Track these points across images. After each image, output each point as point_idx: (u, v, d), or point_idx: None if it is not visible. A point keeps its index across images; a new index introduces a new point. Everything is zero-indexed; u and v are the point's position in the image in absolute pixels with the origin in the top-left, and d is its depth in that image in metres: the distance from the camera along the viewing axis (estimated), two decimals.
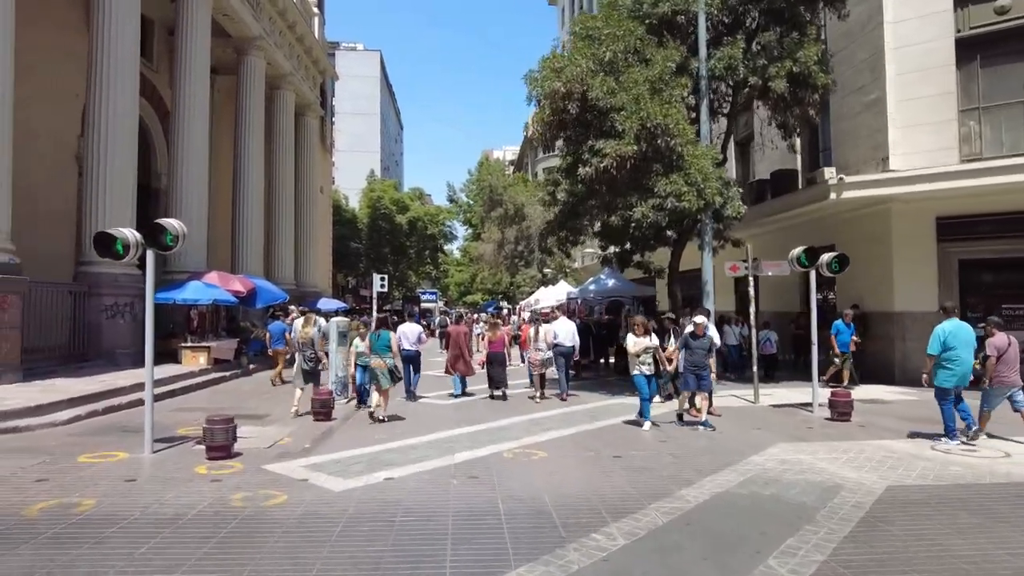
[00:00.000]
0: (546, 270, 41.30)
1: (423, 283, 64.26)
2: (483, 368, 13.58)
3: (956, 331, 8.65)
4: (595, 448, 8.34)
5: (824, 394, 11.18)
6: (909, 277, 14.58)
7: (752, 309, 12.96)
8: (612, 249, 17.49)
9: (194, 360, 15.82)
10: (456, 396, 13.24)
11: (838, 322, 13.93)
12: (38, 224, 15.60)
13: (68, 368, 13.85)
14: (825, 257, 11.34)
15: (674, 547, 4.86)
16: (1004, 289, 14.28)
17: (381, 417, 10.29)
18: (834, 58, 15.26)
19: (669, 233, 15.15)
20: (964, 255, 14.33)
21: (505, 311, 40.49)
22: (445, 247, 59.03)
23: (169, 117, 20.27)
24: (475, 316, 32.39)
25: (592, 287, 22.10)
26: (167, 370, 14.59)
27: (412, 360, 13.11)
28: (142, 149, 18.42)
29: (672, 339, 11.41)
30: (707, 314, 11.07)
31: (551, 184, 16.20)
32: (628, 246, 16.65)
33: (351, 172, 63.76)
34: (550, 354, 13.29)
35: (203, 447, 7.66)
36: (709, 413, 10.05)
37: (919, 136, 14.48)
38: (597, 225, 15.83)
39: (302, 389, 11.04)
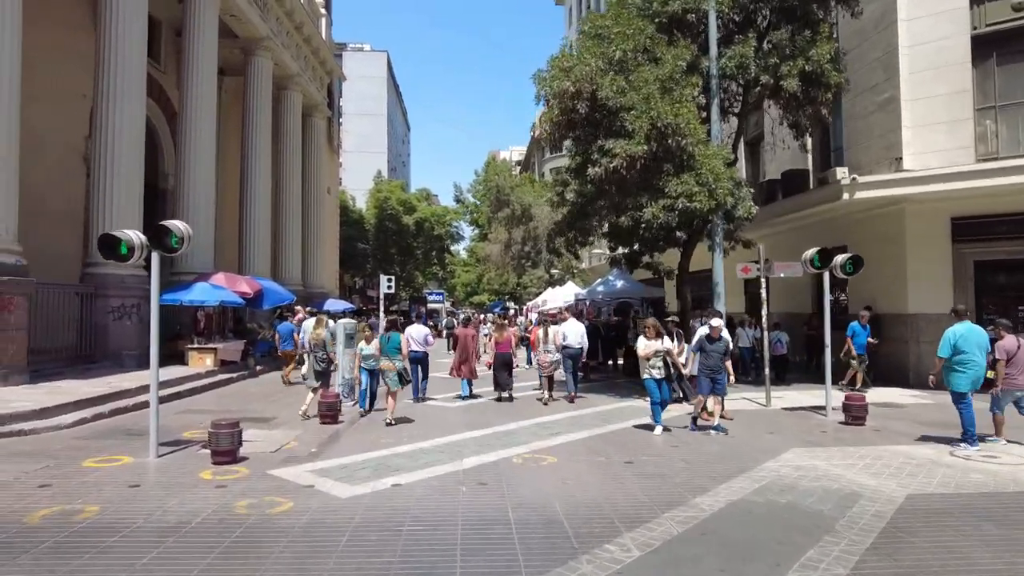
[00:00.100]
0: (553, 271, 41.11)
1: (430, 284, 64.21)
2: (490, 369, 13.46)
3: (968, 334, 8.54)
4: (606, 453, 8.19)
5: (837, 397, 10.99)
6: (923, 278, 14.36)
7: (764, 311, 12.79)
8: (621, 250, 17.34)
9: (201, 362, 15.76)
10: (464, 398, 13.13)
11: (854, 323, 13.73)
12: (45, 225, 15.57)
13: (75, 370, 13.82)
14: (839, 259, 11.16)
15: (690, 559, 4.71)
16: (1021, 291, 14.07)
17: (389, 420, 10.18)
18: (846, 57, 15.05)
19: (679, 234, 15.00)
20: (980, 256, 14.09)
21: (512, 312, 40.33)
22: (452, 248, 58.90)
23: (176, 118, 20.25)
24: (482, 317, 32.29)
25: (600, 288, 21.93)
26: (173, 372, 14.54)
27: (420, 362, 13.03)
28: (149, 150, 18.40)
29: (675, 342, 11.24)
30: (720, 316, 10.88)
31: (560, 184, 16.04)
32: (637, 247, 16.49)
33: (358, 173, 63.83)
34: (559, 356, 13.17)
35: (208, 451, 7.56)
36: (721, 417, 9.89)
37: (933, 135, 14.26)
38: (606, 226, 15.68)
39: (314, 391, 10.97)
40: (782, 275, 12.82)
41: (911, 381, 14.11)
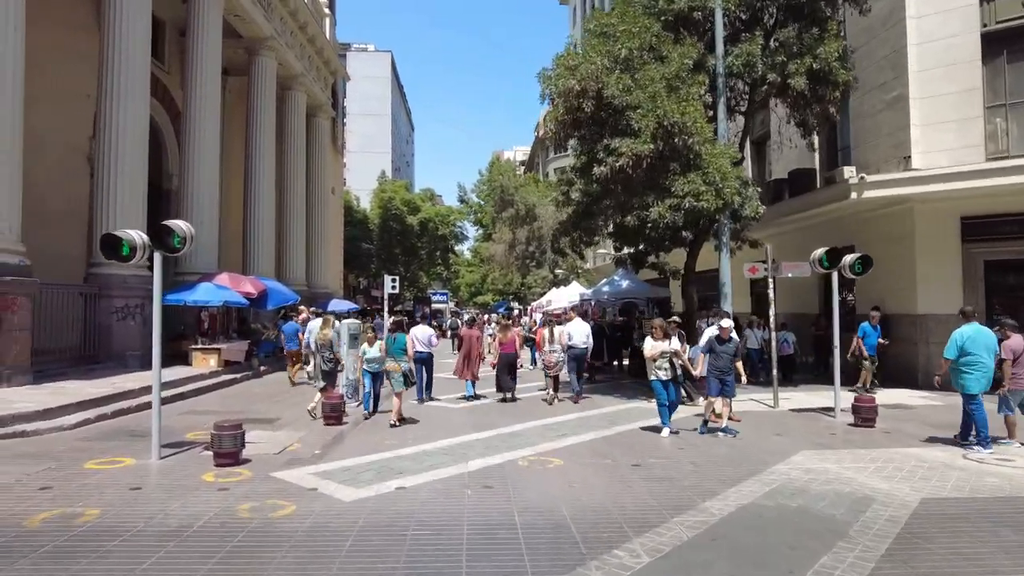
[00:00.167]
0: (557, 271, 41.02)
1: (434, 284, 64.17)
2: (494, 369, 13.39)
3: (976, 336, 8.46)
4: (612, 456, 8.08)
5: (846, 399, 10.87)
6: (932, 278, 14.20)
7: (771, 311, 12.67)
8: (627, 250, 17.22)
9: (204, 362, 15.72)
10: (468, 399, 13.05)
11: (865, 324, 13.59)
12: (49, 225, 15.57)
13: (78, 370, 13.78)
14: (848, 258, 11.03)
15: (701, 565, 4.61)
16: None
17: (393, 421, 10.11)
18: (854, 55, 14.91)
19: (685, 234, 14.87)
20: (990, 256, 13.93)
21: (516, 312, 40.24)
22: (456, 248, 58.86)
23: (180, 118, 20.21)
24: (486, 318, 32.20)
25: (606, 288, 21.82)
26: (177, 372, 14.50)
27: (424, 362, 12.97)
28: (154, 150, 18.37)
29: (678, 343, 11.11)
30: (728, 316, 10.76)
31: (565, 184, 15.94)
32: (643, 247, 16.37)
33: (362, 173, 63.83)
34: (564, 355, 13.08)
35: (211, 453, 7.48)
36: (729, 419, 9.77)
37: (942, 134, 14.11)
38: (612, 225, 15.57)
39: (322, 391, 10.95)
40: (790, 275, 12.70)
41: (920, 382, 13.95)
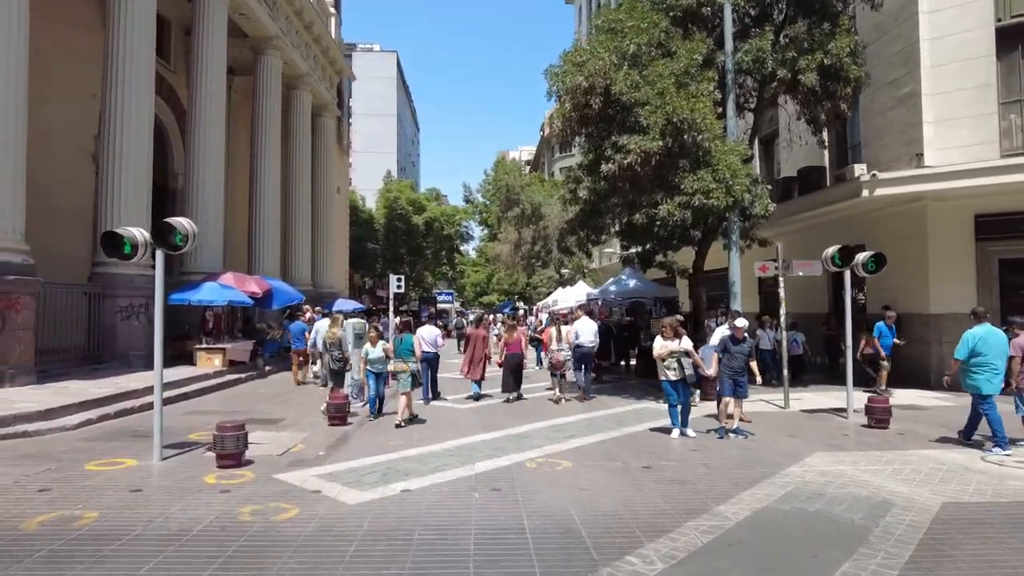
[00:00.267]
0: (564, 271, 40.84)
1: (439, 284, 64.04)
2: (500, 368, 13.27)
3: (987, 336, 8.33)
4: (622, 458, 7.91)
5: (859, 399, 10.67)
6: (945, 277, 13.97)
7: (782, 311, 12.48)
8: (635, 249, 17.04)
9: (209, 362, 15.61)
10: (474, 399, 12.92)
11: (880, 324, 13.36)
12: (54, 224, 15.50)
13: (82, 370, 13.69)
14: (860, 257, 10.84)
15: (718, 574, 4.44)
16: None
17: (399, 421, 9.99)
18: (865, 51, 14.68)
19: (694, 232, 14.70)
20: (1005, 254, 13.69)
21: (521, 312, 40.08)
22: (461, 247, 58.70)
23: (186, 117, 20.14)
24: (492, 318, 32.08)
25: (613, 288, 21.62)
26: (181, 372, 14.41)
27: (430, 362, 12.87)
28: (159, 149, 18.29)
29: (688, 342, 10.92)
30: (738, 315, 10.57)
31: (572, 181, 15.75)
32: (651, 246, 16.19)
33: (368, 173, 63.74)
34: (571, 355, 12.94)
35: (213, 454, 7.35)
36: (740, 420, 9.58)
37: (956, 130, 13.89)
38: (619, 224, 15.39)
39: (332, 391, 10.83)
40: (800, 273, 12.50)
41: (932, 383, 13.72)
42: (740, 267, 13.67)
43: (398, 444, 8.65)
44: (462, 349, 18.58)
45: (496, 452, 8.16)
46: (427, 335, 12.84)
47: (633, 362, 18.44)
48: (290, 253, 26.01)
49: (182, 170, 20.86)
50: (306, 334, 15.39)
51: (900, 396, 12.69)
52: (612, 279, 23.39)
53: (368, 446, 8.56)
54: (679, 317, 12.96)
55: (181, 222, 7.81)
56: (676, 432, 9.19)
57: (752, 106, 15.65)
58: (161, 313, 7.84)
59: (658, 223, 12.60)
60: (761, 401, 12.26)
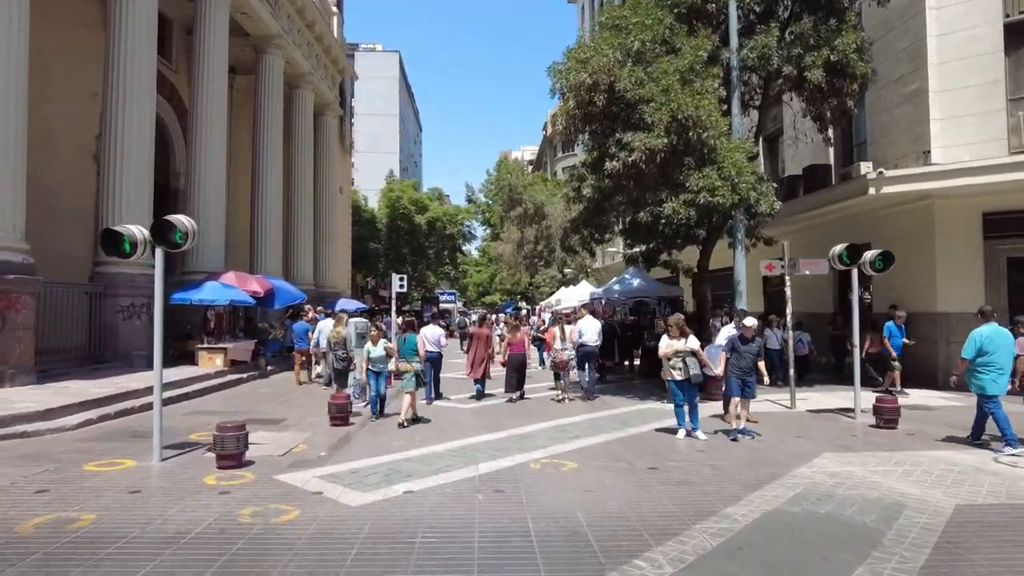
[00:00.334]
0: (566, 270, 40.73)
1: (442, 284, 63.95)
2: (503, 367, 13.17)
3: (994, 336, 8.24)
4: (628, 458, 7.80)
5: (866, 399, 10.54)
6: (953, 276, 13.83)
7: (788, 310, 12.35)
8: (639, 248, 16.92)
9: (211, 362, 15.52)
10: (477, 398, 12.83)
11: (890, 324, 13.21)
12: (56, 224, 15.44)
13: (83, 370, 13.62)
14: (868, 255, 10.71)
15: None
16: None
17: (402, 421, 9.89)
18: (871, 48, 14.55)
19: (699, 231, 14.58)
20: (1013, 253, 13.55)
21: (524, 312, 39.99)
22: (464, 247, 58.61)
23: (188, 116, 20.06)
24: (494, 318, 31.96)
25: (617, 287, 21.51)
26: (183, 372, 14.32)
27: (434, 362, 12.81)
28: (161, 148, 18.21)
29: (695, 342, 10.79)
30: (744, 314, 10.46)
31: (576, 180, 15.64)
32: (655, 244, 16.07)
33: (370, 173, 63.72)
34: (575, 354, 12.84)
35: (214, 455, 7.26)
36: (747, 420, 9.46)
37: (964, 128, 13.76)
38: (624, 222, 15.28)
39: (338, 391, 10.78)
40: (807, 272, 12.36)
41: (939, 382, 13.57)
42: (745, 266, 13.55)
43: (401, 444, 8.54)
44: (465, 349, 18.49)
45: (500, 453, 8.05)
46: (431, 334, 12.79)
47: (637, 362, 18.32)
48: (292, 253, 25.92)
49: (184, 169, 20.80)
50: (309, 334, 15.31)
51: (907, 396, 12.57)
52: (616, 278, 23.29)
53: (370, 446, 8.46)
54: (679, 316, 12.85)
55: (181, 219, 7.71)
56: (682, 433, 9.06)
57: (757, 104, 15.52)
58: (161, 312, 7.74)
59: (663, 221, 12.48)
60: (767, 401, 12.13)
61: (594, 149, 13.92)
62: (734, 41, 13.34)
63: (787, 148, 19.76)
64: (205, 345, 15.95)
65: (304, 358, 15.70)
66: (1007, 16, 13.47)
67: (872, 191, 13.83)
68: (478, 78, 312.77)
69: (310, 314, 16.86)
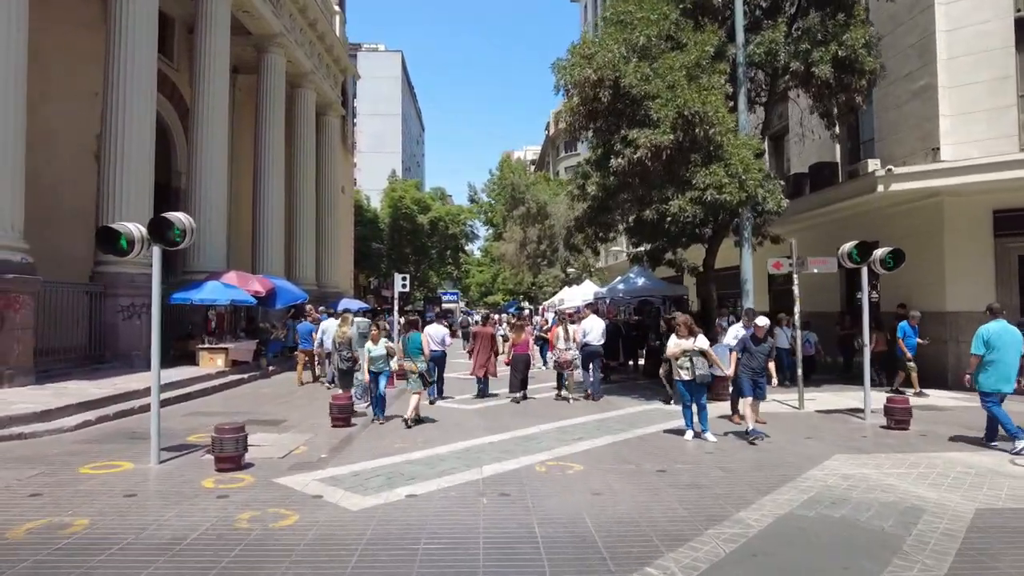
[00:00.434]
0: (570, 270, 40.55)
1: (444, 283, 63.82)
2: (507, 366, 13.02)
3: (1001, 332, 8.13)
4: (635, 460, 7.63)
5: (877, 399, 10.36)
6: (963, 275, 13.63)
7: (796, 309, 12.16)
8: (644, 246, 16.74)
9: (212, 362, 15.39)
10: (481, 398, 12.68)
11: (904, 324, 12.99)
12: (56, 224, 15.32)
13: (83, 370, 13.49)
14: (878, 253, 10.51)
15: None
16: None
17: (408, 421, 9.75)
18: (879, 43, 14.36)
19: (705, 229, 14.40)
20: None
21: (526, 312, 39.81)
22: (466, 247, 58.47)
23: (189, 115, 19.94)
24: (497, 317, 31.80)
25: (621, 286, 21.34)
26: (183, 372, 14.19)
27: (438, 361, 12.67)
28: (162, 147, 18.08)
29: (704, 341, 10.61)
30: (751, 314, 10.28)
31: (580, 177, 15.47)
32: (660, 243, 15.89)
33: (372, 173, 63.66)
34: (579, 353, 12.68)
35: (212, 457, 7.10)
36: (756, 422, 9.27)
37: (973, 124, 13.57)
38: (628, 220, 15.09)
39: (343, 390, 10.65)
40: (816, 271, 12.18)
41: (950, 383, 13.40)
42: (752, 264, 13.37)
43: (403, 446, 8.39)
44: (468, 348, 18.33)
45: (504, 455, 7.89)
46: (435, 333, 12.71)
47: (641, 362, 18.14)
48: (294, 252, 25.79)
49: (185, 169, 20.67)
50: (313, 334, 15.18)
51: (927, 397, 12.41)
52: (620, 277, 23.12)
53: (372, 448, 8.30)
54: (686, 316, 12.67)
55: (179, 217, 7.56)
56: (690, 434, 8.89)
57: (763, 100, 15.35)
58: (158, 311, 7.59)
59: (669, 219, 12.32)
60: (774, 401, 11.93)
61: (599, 146, 13.75)
62: (740, 36, 13.17)
63: (793, 146, 19.57)
64: (206, 345, 15.82)
65: (307, 359, 15.57)
66: (1018, 11, 13.28)
67: (880, 188, 13.64)
68: (480, 78, 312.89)
69: (312, 314, 16.72)
